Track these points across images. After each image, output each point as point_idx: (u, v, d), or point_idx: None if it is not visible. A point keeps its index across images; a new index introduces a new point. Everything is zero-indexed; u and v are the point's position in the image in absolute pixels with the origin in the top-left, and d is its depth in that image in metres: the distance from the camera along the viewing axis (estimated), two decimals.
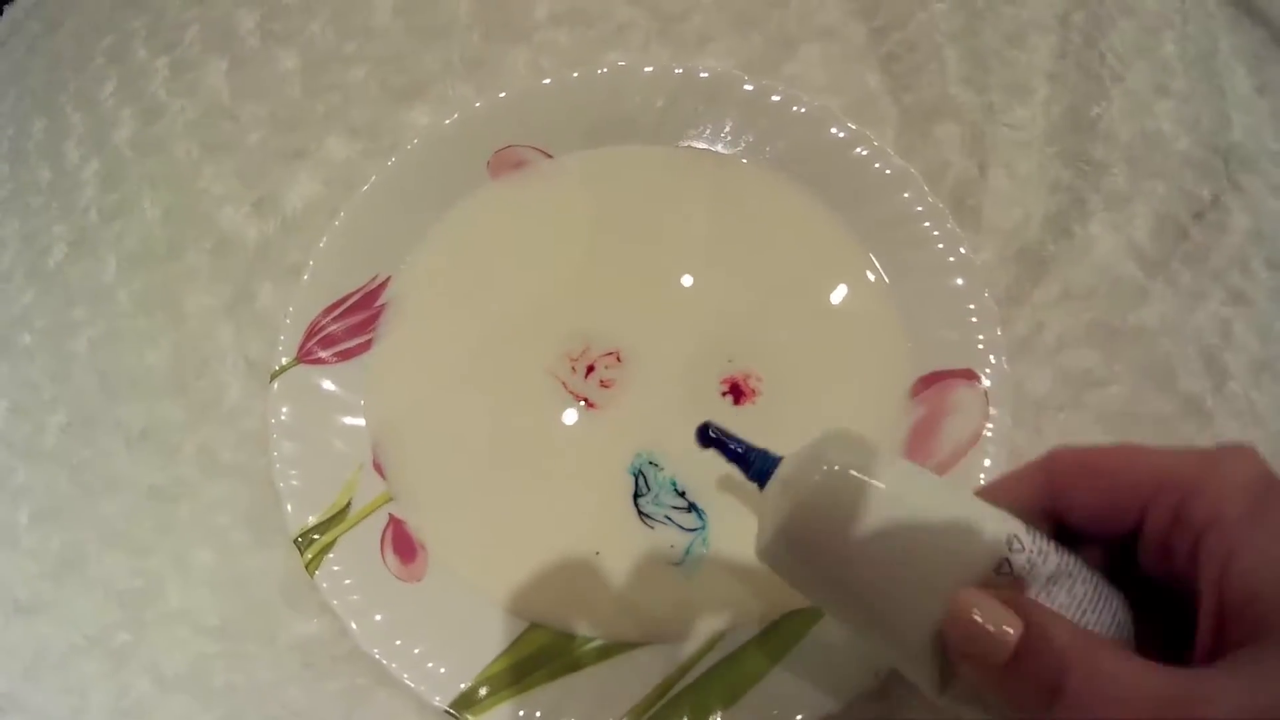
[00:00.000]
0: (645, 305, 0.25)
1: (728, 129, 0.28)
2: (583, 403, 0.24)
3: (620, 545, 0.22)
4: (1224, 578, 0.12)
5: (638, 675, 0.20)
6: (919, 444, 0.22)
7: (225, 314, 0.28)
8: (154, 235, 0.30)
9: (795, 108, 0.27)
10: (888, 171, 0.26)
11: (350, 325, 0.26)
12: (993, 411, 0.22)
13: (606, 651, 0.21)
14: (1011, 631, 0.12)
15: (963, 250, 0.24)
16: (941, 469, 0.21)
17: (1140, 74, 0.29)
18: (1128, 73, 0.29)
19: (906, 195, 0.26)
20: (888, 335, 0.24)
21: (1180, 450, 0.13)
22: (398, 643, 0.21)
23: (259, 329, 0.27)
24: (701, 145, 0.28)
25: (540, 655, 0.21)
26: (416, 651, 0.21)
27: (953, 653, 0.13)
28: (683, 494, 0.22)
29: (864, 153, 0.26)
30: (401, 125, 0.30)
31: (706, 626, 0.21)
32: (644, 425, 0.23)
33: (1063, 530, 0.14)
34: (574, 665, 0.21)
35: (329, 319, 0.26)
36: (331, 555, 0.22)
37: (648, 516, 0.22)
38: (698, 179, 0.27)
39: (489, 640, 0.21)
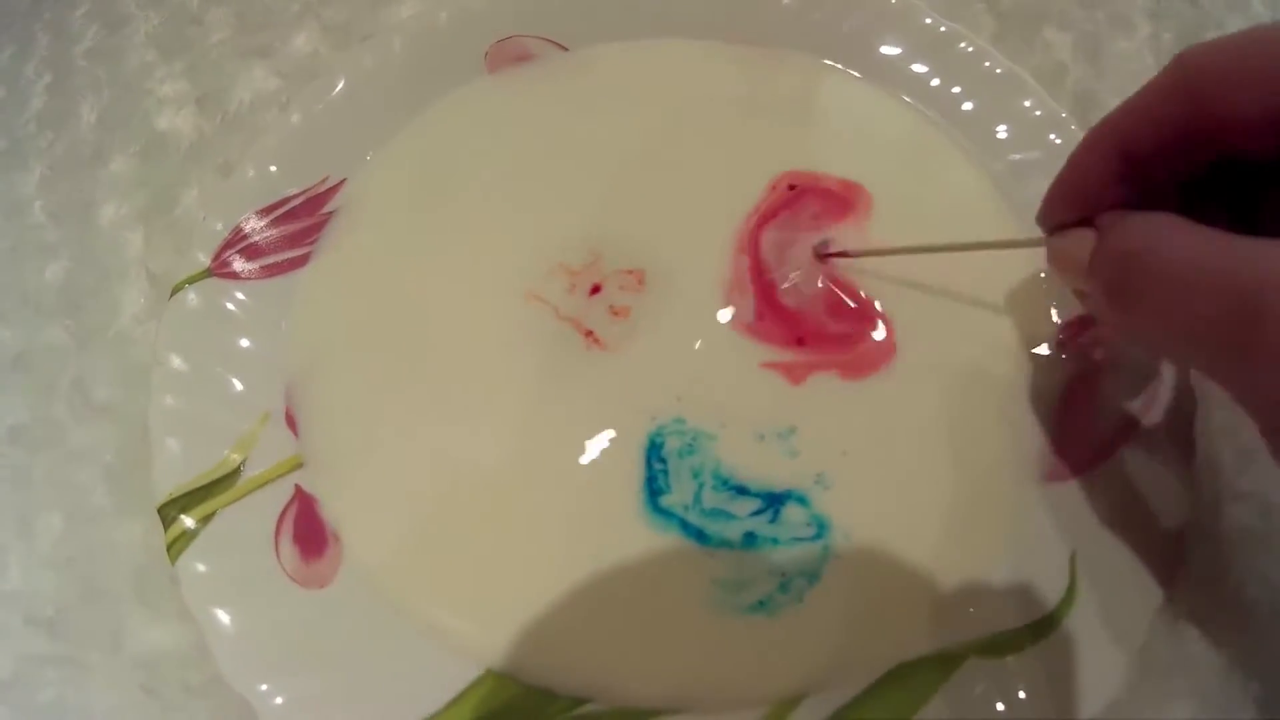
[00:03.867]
0: (683, 220, 0.18)
1: (791, 20, 0.20)
2: (586, 338, 0.16)
3: (639, 562, 0.14)
4: None
5: None
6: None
7: (138, 221, 0.21)
8: (83, 140, 0.24)
9: None
10: (998, 71, 0.19)
11: (284, 235, 0.18)
12: None
13: None
14: (1086, 235, 0.12)
15: None
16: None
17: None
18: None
19: (1026, 103, 0.18)
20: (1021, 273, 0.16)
21: None
22: (281, 678, 0.14)
23: (173, 238, 0.20)
24: (759, 40, 0.20)
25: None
26: (307, 694, 0.13)
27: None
28: (743, 489, 0.14)
29: (969, 49, 0.19)
30: (382, 24, 0.24)
31: (774, 687, 0.13)
32: (677, 379, 0.16)
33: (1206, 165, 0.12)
34: None
35: (258, 225, 0.18)
36: (204, 536, 0.15)
37: (689, 525, 0.14)
38: (758, 79, 0.20)
39: (419, 688, 0.14)
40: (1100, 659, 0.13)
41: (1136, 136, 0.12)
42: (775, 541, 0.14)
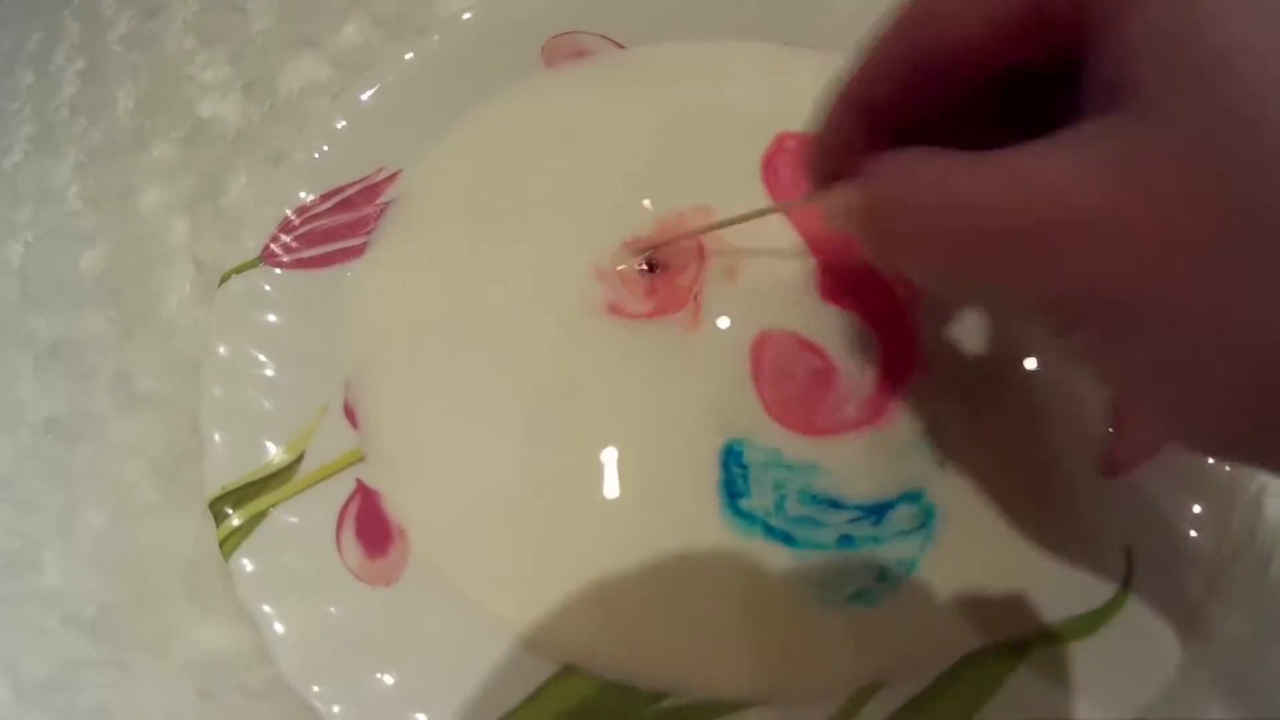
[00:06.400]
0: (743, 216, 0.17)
1: (848, 25, 0.20)
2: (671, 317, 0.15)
3: (721, 560, 0.13)
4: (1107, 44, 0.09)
5: None
6: None
7: (182, 209, 0.20)
8: (121, 126, 0.23)
9: None
10: None
11: (339, 224, 0.18)
12: None
13: (687, 716, 0.12)
14: (847, 188, 0.11)
15: None
16: None
17: None
18: None
19: None
20: None
21: None
22: (347, 680, 0.13)
23: (221, 226, 0.19)
24: (816, 44, 0.20)
25: (578, 718, 0.12)
26: (376, 695, 0.13)
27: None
28: (837, 504, 0.13)
29: None
30: (435, 17, 0.23)
31: (855, 676, 0.12)
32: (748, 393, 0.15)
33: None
34: None
35: (312, 214, 0.18)
36: (260, 532, 0.14)
37: (773, 529, 0.13)
38: (815, 81, 0.19)
39: (494, 687, 0.13)
40: (1155, 648, 0.13)
41: (877, 81, 0.11)
42: (876, 541, 0.13)
